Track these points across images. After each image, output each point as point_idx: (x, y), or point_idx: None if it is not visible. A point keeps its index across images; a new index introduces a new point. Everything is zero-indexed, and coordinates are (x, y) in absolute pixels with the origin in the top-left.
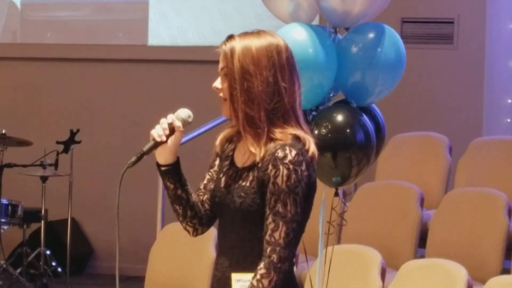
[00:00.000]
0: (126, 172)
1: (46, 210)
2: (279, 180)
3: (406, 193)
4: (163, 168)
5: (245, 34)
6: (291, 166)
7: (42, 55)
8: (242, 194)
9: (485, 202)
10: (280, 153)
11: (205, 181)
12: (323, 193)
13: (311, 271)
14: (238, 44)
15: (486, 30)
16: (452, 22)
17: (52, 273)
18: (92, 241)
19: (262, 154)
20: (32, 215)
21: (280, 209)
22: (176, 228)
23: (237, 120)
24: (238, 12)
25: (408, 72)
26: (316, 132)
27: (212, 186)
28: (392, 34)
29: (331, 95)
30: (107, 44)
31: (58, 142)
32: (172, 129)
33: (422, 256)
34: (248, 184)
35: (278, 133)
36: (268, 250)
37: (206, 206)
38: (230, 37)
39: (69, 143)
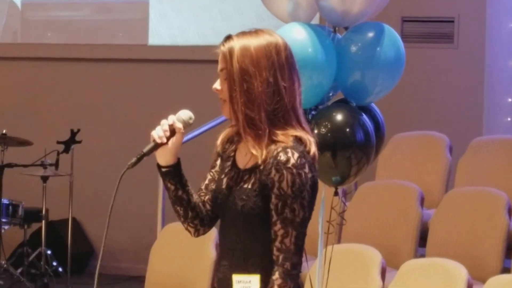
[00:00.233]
0: (127, 173)
1: (47, 210)
2: (284, 185)
3: (406, 193)
4: (163, 170)
5: (243, 33)
6: (294, 170)
7: (43, 55)
8: (244, 197)
9: (485, 202)
10: (282, 157)
11: (206, 182)
12: (323, 192)
13: (311, 271)
14: (236, 45)
15: (486, 29)
16: (453, 21)
17: (53, 273)
18: (93, 240)
19: (263, 156)
20: (33, 215)
21: (289, 215)
22: (176, 228)
23: (237, 121)
24: (238, 11)
25: (408, 72)
26: (315, 131)
27: (213, 187)
28: (392, 34)
29: (331, 94)
30: (108, 44)
31: (58, 142)
32: (172, 131)
33: (423, 256)
34: (250, 186)
35: (279, 134)
36: (281, 258)
37: (208, 206)
38: (228, 38)
39: (69, 143)
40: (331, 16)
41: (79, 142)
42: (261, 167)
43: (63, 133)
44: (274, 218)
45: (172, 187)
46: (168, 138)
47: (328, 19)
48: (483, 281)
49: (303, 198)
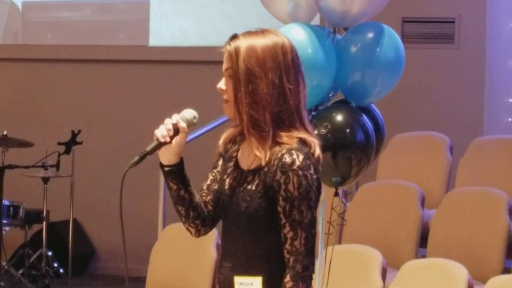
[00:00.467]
0: (128, 173)
1: (47, 211)
2: (290, 187)
3: (407, 193)
4: (166, 169)
5: (250, 33)
6: (300, 172)
7: (43, 56)
8: (248, 198)
9: (486, 202)
10: (287, 159)
11: (208, 182)
12: (323, 193)
13: None
14: (242, 44)
15: (486, 30)
16: (453, 22)
17: (54, 274)
18: (94, 242)
19: (267, 158)
20: (34, 216)
21: (297, 217)
22: (177, 229)
23: (241, 122)
24: (239, 12)
25: (409, 72)
26: (315, 132)
27: (215, 187)
28: (391, 34)
29: (330, 95)
30: (108, 45)
31: (59, 143)
32: (176, 130)
33: (424, 256)
34: (253, 188)
35: (284, 136)
36: (292, 260)
37: (209, 207)
38: (234, 37)
39: (70, 144)
40: (330, 16)
41: (80, 143)
42: (265, 169)
43: (64, 134)
44: (283, 221)
45: (175, 187)
46: (171, 137)
47: (327, 19)
48: (484, 281)
49: (310, 199)
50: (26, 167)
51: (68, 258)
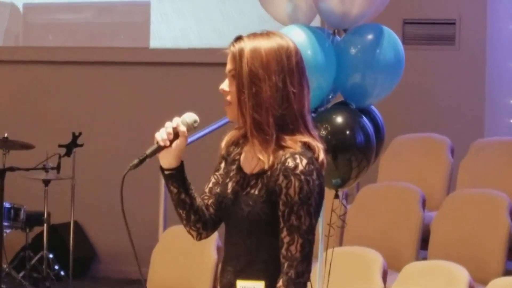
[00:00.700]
0: (129, 175)
1: (48, 214)
2: (291, 191)
3: (407, 195)
4: (166, 172)
5: (254, 35)
6: (302, 177)
7: (44, 58)
8: (250, 203)
9: (487, 203)
10: (290, 163)
11: (210, 185)
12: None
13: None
14: (246, 46)
15: (487, 31)
16: (454, 23)
17: (55, 276)
18: (95, 244)
19: (270, 162)
20: (35, 219)
21: (295, 222)
22: (177, 231)
23: (244, 124)
24: (240, 13)
25: (409, 73)
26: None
27: (217, 190)
28: (391, 35)
29: (330, 97)
30: (109, 47)
31: (60, 146)
32: (176, 133)
33: (425, 258)
34: (256, 192)
35: (288, 140)
36: (286, 265)
37: (211, 210)
38: (239, 38)
39: (71, 146)
40: (330, 18)
41: (81, 145)
42: (268, 173)
43: (65, 137)
44: (281, 225)
45: (175, 190)
46: (171, 141)
47: (327, 21)
48: (485, 283)
49: (310, 205)
50: (27, 170)
51: (69, 261)
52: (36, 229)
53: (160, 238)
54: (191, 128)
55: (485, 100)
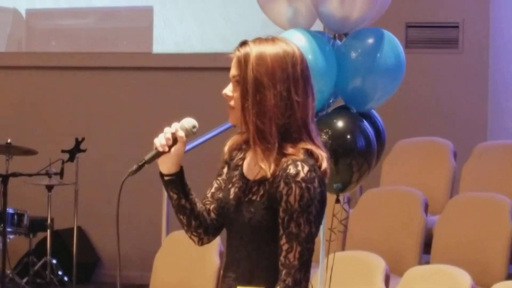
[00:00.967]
0: (131, 180)
1: (52, 219)
2: (291, 199)
3: (410, 199)
4: (166, 178)
5: (260, 40)
6: (303, 184)
7: (47, 64)
8: (252, 210)
9: (490, 207)
10: (292, 170)
11: (212, 190)
12: None
13: (313, 278)
14: (252, 52)
15: (490, 34)
16: (457, 27)
17: (58, 282)
18: (98, 249)
19: (272, 170)
20: (38, 224)
21: (294, 230)
22: (180, 236)
23: (247, 131)
24: (243, 18)
25: (412, 77)
26: None
27: (219, 195)
28: (391, 39)
29: (331, 101)
30: (112, 52)
31: (63, 151)
32: (175, 139)
33: (428, 262)
34: (258, 199)
35: (290, 148)
36: (283, 273)
37: (213, 215)
38: (244, 43)
39: (74, 151)
40: (330, 22)
41: (84, 150)
42: (270, 180)
43: (68, 142)
44: (281, 232)
45: (175, 196)
46: (170, 147)
47: (327, 25)
48: (488, 287)
49: (310, 213)
50: (30, 175)
51: (73, 266)
52: (40, 235)
53: (163, 243)
54: (190, 134)
55: (488, 104)
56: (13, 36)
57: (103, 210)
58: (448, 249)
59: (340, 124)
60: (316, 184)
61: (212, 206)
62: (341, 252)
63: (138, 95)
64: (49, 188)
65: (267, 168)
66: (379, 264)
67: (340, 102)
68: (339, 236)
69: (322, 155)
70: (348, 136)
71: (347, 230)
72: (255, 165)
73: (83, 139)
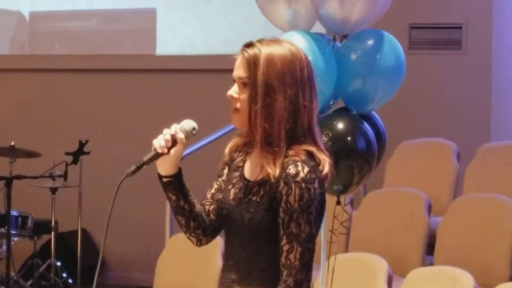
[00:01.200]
0: (136, 183)
1: (56, 222)
2: (291, 199)
3: (413, 200)
4: (164, 180)
5: (267, 42)
6: (303, 185)
7: (51, 66)
8: (252, 210)
9: (494, 208)
10: (292, 170)
11: (212, 190)
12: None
13: (314, 281)
14: (262, 54)
15: (493, 35)
16: (461, 28)
17: (62, 284)
18: (103, 251)
19: (277, 174)
20: (42, 227)
21: (294, 230)
22: (183, 238)
23: (252, 135)
24: (245, 20)
25: (416, 78)
26: None
27: (219, 196)
28: (391, 41)
29: (331, 103)
30: (115, 54)
31: (67, 153)
32: (174, 141)
33: (431, 263)
34: (258, 199)
35: (292, 149)
36: (285, 274)
37: (212, 216)
38: (250, 44)
39: (78, 154)
40: (330, 23)
41: (88, 153)
42: (272, 180)
43: (72, 144)
44: (281, 232)
45: (174, 198)
46: (169, 148)
47: (327, 27)
48: None
49: (310, 214)
50: (34, 178)
51: (77, 268)
52: (44, 237)
53: (166, 244)
54: (190, 136)
55: (492, 105)
56: (17, 39)
57: (107, 212)
58: (451, 250)
59: (340, 125)
60: (316, 185)
61: (211, 207)
62: (343, 254)
63: (142, 97)
64: (53, 190)
65: (274, 172)
66: (381, 266)
67: (340, 104)
68: (341, 238)
69: (325, 159)
70: (349, 138)
71: (348, 231)
72: (256, 167)
73: (86, 141)
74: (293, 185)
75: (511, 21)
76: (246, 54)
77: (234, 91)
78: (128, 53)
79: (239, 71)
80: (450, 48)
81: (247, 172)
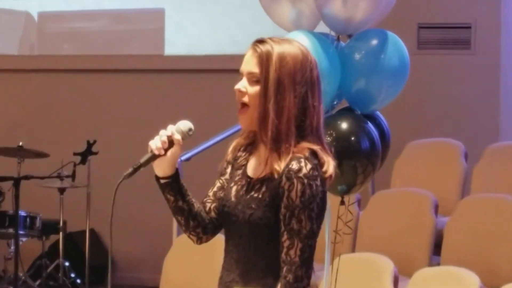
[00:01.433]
0: (142, 181)
1: (64, 222)
2: (293, 194)
3: (420, 200)
4: (162, 181)
5: (278, 41)
6: (305, 181)
7: (59, 67)
8: (253, 206)
9: (501, 208)
10: (294, 165)
11: (215, 189)
12: (329, 202)
13: (320, 282)
14: (274, 51)
15: (502, 35)
16: (469, 27)
17: (71, 284)
18: (111, 251)
19: (281, 169)
20: (51, 227)
21: (295, 226)
22: None
23: (261, 132)
24: (254, 21)
25: (424, 78)
26: None
27: (221, 195)
28: (395, 41)
29: (335, 102)
30: (124, 55)
31: (75, 154)
32: (171, 142)
33: (438, 263)
34: (260, 196)
35: (296, 147)
36: (284, 270)
37: (213, 214)
38: (262, 41)
39: (86, 154)
40: (334, 23)
41: (96, 153)
42: (275, 176)
43: (80, 145)
44: (282, 228)
45: (172, 198)
46: (166, 150)
47: (331, 26)
48: None
49: (312, 210)
50: (42, 178)
51: (85, 269)
52: (53, 237)
53: (173, 244)
54: (186, 136)
55: (500, 105)
56: (25, 39)
57: (116, 213)
58: (458, 250)
59: (344, 125)
60: (318, 182)
61: (213, 205)
62: (349, 254)
63: (150, 97)
64: (61, 190)
65: (279, 168)
66: (387, 266)
67: (344, 104)
68: (348, 238)
69: (329, 160)
70: (352, 138)
71: (355, 231)
72: (260, 165)
73: (94, 141)
74: (295, 181)
75: None
76: (258, 50)
77: (242, 85)
78: (137, 53)
79: (249, 65)
80: (459, 48)
81: (250, 170)
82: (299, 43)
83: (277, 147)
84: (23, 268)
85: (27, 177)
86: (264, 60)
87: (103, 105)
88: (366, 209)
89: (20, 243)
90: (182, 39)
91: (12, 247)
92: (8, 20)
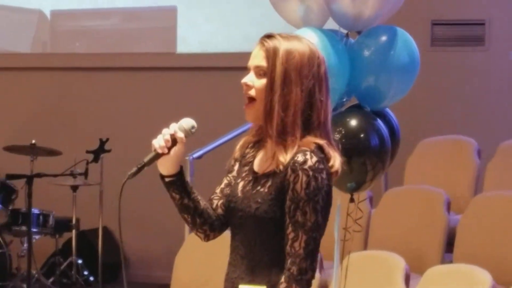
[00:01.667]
0: (154, 179)
1: (77, 219)
2: (298, 187)
3: (432, 198)
4: (167, 180)
5: (287, 36)
6: (311, 173)
7: (72, 65)
8: (259, 200)
9: None
10: (300, 158)
11: (222, 185)
12: (339, 199)
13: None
14: (282, 45)
15: None
16: (483, 24)
17: (84, 282)
18: (124, 249)
19: (287, 163)
20: (64, 225)
21: (300, 218)
22: None
23: (268, 125)
24: (267, 18)
25: (438, 75)
26: None
27: (228, 191)
28: (405, 37)
29: (344, 100)
30: (136, 53)
31: (88, 152)
32: (174, 140)
33: (451, 261)
34: (266, 190)
35: (302, 141)
36: (289, 262)
37: (220, 211)
38: (271, 36)
39: (99, 152)
40: (343, 20)
41: (108, 151)
42: (281, 169)
43: (92, 142)
44: (287, 221)
45: (177, 197)
46: (169, 148)
47: (340, 23)
48: (509, 286)
49: (317, 202)
50: (55, 176)
51: (98, 266)
52: (66, 235)
53: (185, 242)
54: (189, 134)
55: None
56: (38, 37)
57: (129, 210)
58: (471, 248)
59: (353, 123)
60: (324, 175)
61: (220, 202)
62: (360, 251)
63: (162, 95)
64: (74, 188)
65: (285, 161)
66: (399, 263)
67: (354, 101)
68: (360, 235)
69: (335, 155)
70: (362, 135)
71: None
72: (267, 160)
73: (107, 139)
74: (300, 173)
75: None
76: (266, 44)
77: (249, 78)
78: (149, 51)
79: (256, 59)
80: (473, 44)
81: (256, 166)
82: (308, 40)
83: (283, 140)
84: (36, 265)
85: (40, 175)
86: (271, 54)
87: (116, 103)
88: (378, 206)
89: (33, 240)
90: (194, 37)
91: (25, 245)
92: (21, 18)
